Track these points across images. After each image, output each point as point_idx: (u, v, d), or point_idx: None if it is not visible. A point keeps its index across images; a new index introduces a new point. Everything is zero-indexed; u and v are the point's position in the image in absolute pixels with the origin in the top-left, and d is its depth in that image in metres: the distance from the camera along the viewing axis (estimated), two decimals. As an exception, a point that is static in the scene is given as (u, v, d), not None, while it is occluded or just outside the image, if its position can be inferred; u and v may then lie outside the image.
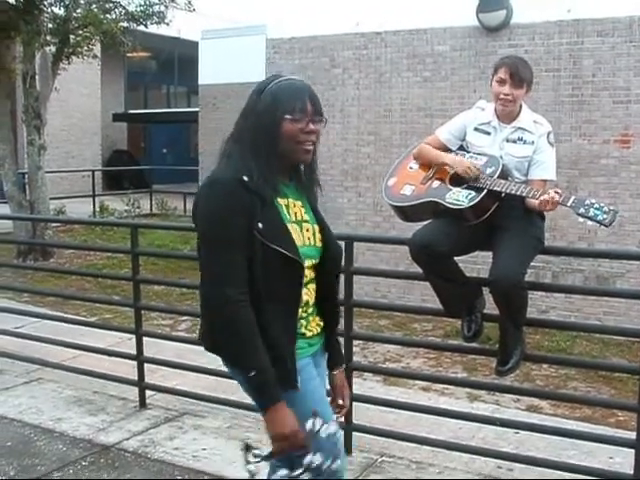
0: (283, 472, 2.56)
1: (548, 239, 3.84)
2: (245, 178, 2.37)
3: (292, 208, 2.52)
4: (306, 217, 2.57)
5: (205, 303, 2.45)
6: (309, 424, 2.43)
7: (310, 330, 2.60)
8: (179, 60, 29.40)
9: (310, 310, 2.59)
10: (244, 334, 2.35)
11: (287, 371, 2.41)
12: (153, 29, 14.77)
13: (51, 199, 14.34)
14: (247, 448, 2.47)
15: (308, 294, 2.55)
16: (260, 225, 2.36)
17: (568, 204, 3.39)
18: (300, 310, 2.51)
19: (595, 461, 4.37)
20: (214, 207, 2.39)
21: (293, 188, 2.57)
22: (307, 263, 2.50)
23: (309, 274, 2.54)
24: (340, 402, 2.76)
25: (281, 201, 2.48)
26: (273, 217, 2.41)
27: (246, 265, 2.36)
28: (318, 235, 2.58)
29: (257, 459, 2.43)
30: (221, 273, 2.37)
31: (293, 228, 2.47)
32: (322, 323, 2.67)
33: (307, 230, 2.54)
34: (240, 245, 2.35)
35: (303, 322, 2.56)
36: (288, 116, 2.40)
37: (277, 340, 2.40)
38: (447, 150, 3.81)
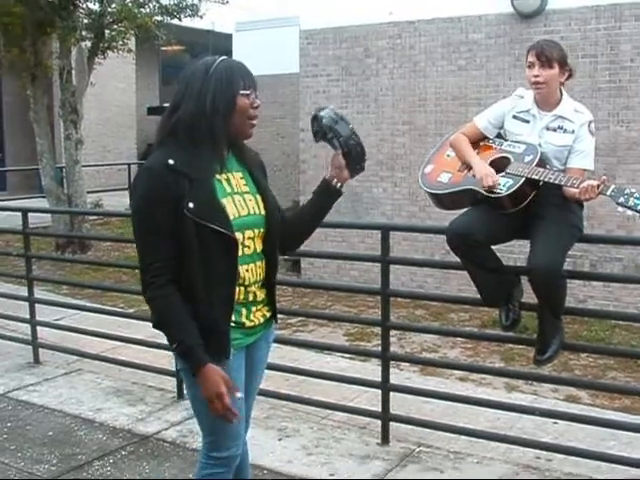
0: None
1: (586, 227, 3.79)
2: (170, 161, 2.44)
3: (232, 180, 2.59)
4: (246, 188, 2.62)
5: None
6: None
7: (251, 320, 2.64)
8: (213, 53, 29.27)
9: (257, 297, 2.64)
10: (164, 310, 2.47)
11: (221, 344, 2.50)
12: (187, 22, 14.80)
13: (88, 192, 14.47)
14: None
15: (251, 270, 2.58)
16: (190, 204, 2.42)
17: (607, 193, 3.33)
18: (241, 292, 2.56)
19: (635, 452, 4.32)
20: (139, 194, 2.50)
21: (233, 160, 2.63)
22: (251, 233, 2.56)
23: (255, 246, 2.59)
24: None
25: (219, 176, 2.54)
26: (205, 194, 2.46)
27: (171, 247, 2.44)
28: (262, 204, 2.63)
29: None
30: (144, 257, 2.50)
31: (232, 201, 2.53)
32: (270, 312, 2.73)
33: (250, 200, 2.61)
34: (163, 229, 2.43)
35: (243, 310, 2.60)
36: (242, 91, 2.49)
37: (212, 315, 2.48)
38: (485, 138, 3.77)
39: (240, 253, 2.53)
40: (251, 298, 2.61)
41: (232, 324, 2.55)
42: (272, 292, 2.73)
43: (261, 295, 2.66)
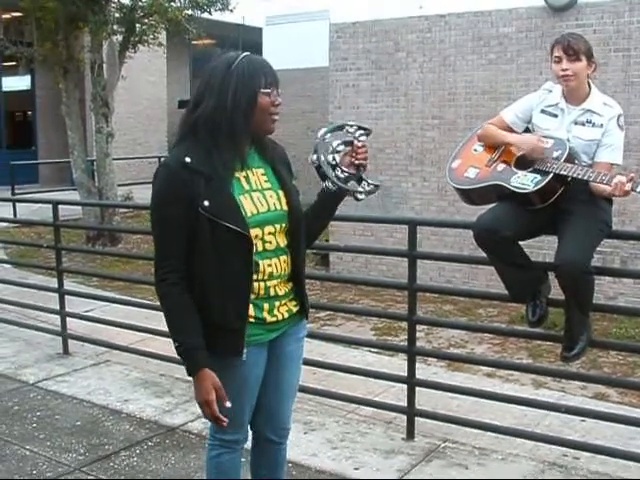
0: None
1: (616, 224, 3.76)
2: (187, 159, 2.45)
3: (252, 177, 2.59)
4: (267, 185, 2.61)
5: None
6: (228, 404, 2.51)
7: (274, 316, 2.63)
8: (243, 46, 29.42)
9: (279, 292, 2.62)
10: (171, 309, 2.50)
11: (233, 342, 2.52)
12: (217, 16, 14.85)
13: (119, 185, 14.59)
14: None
15: (274, 265, 2.58)
16: (206, 202, 2.43)
17: (638, 190, 3.30)
18: (261, 287, 2.56)
19: (664, 451, 4.28)
20: (156, 191, 2.51)
21: (255, 156, 2.62)
22: (271, 229, 2.56)
23: (277, 241, 2.59)
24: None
25: (237, 174, 2.54)
26: (221, 192, 2.47)
27: (181, 245, 2.47)
28: (284, 199, 2.62)
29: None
30: (159, 252, 2.53)
31: (250, 198, 2.53)
32: (297, 307, 2.71)
33: (271, 197, 2.59)
34: (178, 226, 2.46)
35: (266, 305, 2.59)
36: (263, 89, 2.48)
37: (224, 312, 2.49)
38: (512, 132, 3.74)
39: (261, 249, 2.54)
40: (272, 293, 2.60)
41: (252, 320, 2.55)
42: (300, 286, 2.72)
43: (285, 289, 2.65)
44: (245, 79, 2.46)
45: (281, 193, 2.63)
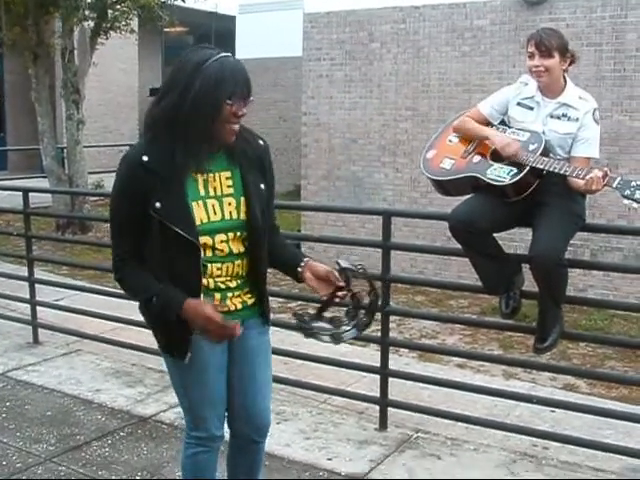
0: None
1: (587, 217, 3.79)
2: (145, 158, 2.40)
3: (211, 182, 2.51)
4: (229, 191, 2.54)
5: None
6: None
7: (226, 305, 2.58)
8: (216, 35, 29.30)
9: (230, 285, 2.58)
10: (133, 278, 2.52)
11: (184, 333, 2.50)
12: (190, 3, 14.73)
13: (89, 173, 14.46)
14: (297, 316, 2.64)
15: (225, 268, 2.54)
16: (157, 204, 2.40)
17: (613, 185, 3.32)
18: (210, 282, 2.53)
19: (632, 441, 4.34)
20: (114, 183, 2.50)
21: (221, 158, 2.54)
22: (223, 237, 2.50)
23: (231, 248, 2.53)
24: (336, 282, 2.68)
25: (198, 177, 2.49)
26: (173, 196, 2.42)
27: (134, 239, 2.48)
28: (244, 207, 2.55)
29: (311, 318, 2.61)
30: (114, 242, 2.54)
31: (203, 205, 2.47)
32: (253, 299, 2.66)
33: (229, 204, 2.53)
34: (132, 219, 2.46)
35: (217, 295, 2.56)
36: (228, 100, 2.37)
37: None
38: (488, 124, 3.76)
39: (210, 254, 2.50)
40: (223, 287, 2.57)
41: None
42: (257, 286, 2.66)
43: (236, 282, 2.60)
44: (211, 84, 2.34)
45: (242, 200, 2.55)
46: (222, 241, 2.51)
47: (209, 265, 2.51)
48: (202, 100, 2.35)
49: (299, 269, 2.68)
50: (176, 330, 2.51)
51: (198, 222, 2.45)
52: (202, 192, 2.49)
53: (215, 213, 2.49)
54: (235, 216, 2.53)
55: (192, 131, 2.38)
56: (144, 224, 2.43)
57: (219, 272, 2.54)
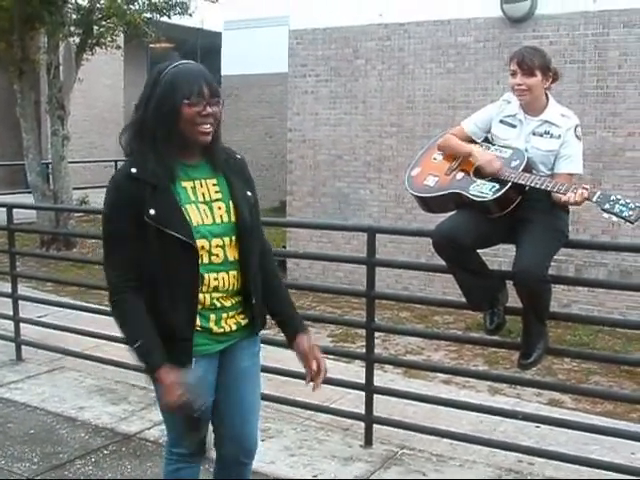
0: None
1: (571, 232, 3.81)
2: (133, 170, 2.46)
3: (199, 189, 2.55)
4: (217, 196, 2.57)
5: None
6: None
7: (221, 327, 2.60)
8: (201, 51, 29.37)
9: (226, 304, 2.59)
10: (128, 311, 2.50)
11: (183, 351, 2.51)
12: (176, 20, 14.78)
13: (74, 189, 14.42)
14: None
15: (221, 279, 2.55)
16: (152, 211, 2.43)
17: (594, 199, 3.36)
18: (206, 298, 2.54)
19: (617, 457, 4.34)
20: (106, 202, 2.53)
21: (205, 167, 2.59)
22: (219, 241, 2.53)
23: (226, 254, 2.55)
24: (314, 367, 2.80)
25: (185, 183, 2.53)
26: (167, 201, 2.46)
27: (132, 254, 2.47)
28: (233, 211, 2.58)
29: None
30: (109, 263, 2.55)
31: (196, 209, 2.51)
32: (247, 320, 2.67)
33: (219, 208, 2.56)
34: (125, 237, 2.46)
35: (212, 316, 2.57)
36: (186, 100, 2.43)
37: (174, 320, 2.49)
38: (472, 142, 3.78)
39: (207, 261, 2.51)
40: (219, 305, 2.57)
41: (198, 329, 2.53)
42: (249, 300, 2.66)
43: (231, 302, 2.61)
44: (167, 90, 2.43)
45: (231, 204, 2.58)
46: (218, 246, 2.53)
47: (206, 275, 2.51)
48: (162, 105, 2.44)
49: (292, 341, 2.82)
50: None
51: (194, 224, 2.48)
52: (192, 197, 2.53)
53: (207, 217, 2.53)
54: (226, 219, 2.56)
55: (159, 136, 2.45)
56: (140, 237, 2.44)
57: (215, 283, 2.54)
